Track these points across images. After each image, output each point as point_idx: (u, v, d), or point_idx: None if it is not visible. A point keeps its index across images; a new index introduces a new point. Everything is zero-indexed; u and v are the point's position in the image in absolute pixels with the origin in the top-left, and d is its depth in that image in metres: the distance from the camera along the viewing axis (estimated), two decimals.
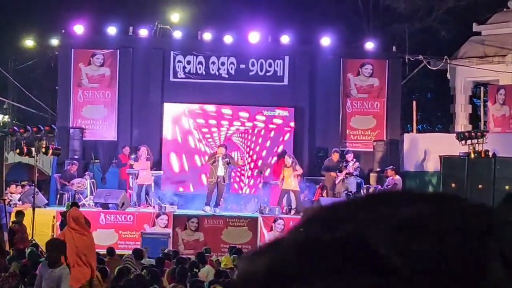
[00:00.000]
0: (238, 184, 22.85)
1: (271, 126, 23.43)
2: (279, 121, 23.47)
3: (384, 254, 0.74)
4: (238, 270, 0.85)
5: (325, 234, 0.77)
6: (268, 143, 23.26)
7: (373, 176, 22.89)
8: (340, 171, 22.09)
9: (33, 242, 17.47)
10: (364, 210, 0.79)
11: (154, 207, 20.74)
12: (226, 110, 23.44)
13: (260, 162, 23.10)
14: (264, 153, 23.11)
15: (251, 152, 23.34)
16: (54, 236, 19.56)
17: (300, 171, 21.21)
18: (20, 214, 18.24)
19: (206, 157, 21.63)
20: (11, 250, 15.95)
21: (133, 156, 21.71)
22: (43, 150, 20.39)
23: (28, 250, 15.33)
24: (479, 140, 20.97)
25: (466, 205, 0.81)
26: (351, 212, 0.79)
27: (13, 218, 18.33)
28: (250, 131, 23.45)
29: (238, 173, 22.83)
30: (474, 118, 27.32)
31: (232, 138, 23.25)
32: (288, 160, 21.23)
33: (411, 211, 0.78)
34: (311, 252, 0.77)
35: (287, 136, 23.42)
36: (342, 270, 0.74)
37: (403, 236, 0.75)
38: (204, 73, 23.74)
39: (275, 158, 23.12)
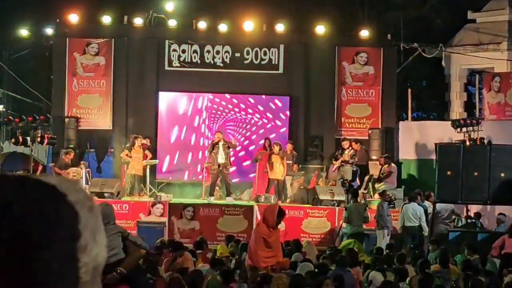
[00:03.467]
0: (234, 172, 22.82)
1: (266, 114, 23.43)
2: (274, 110, 23.46)
3: None
4: None
5: None
6: (263, 131, 23.25)
7: (368, 164, 22.87)
8: (336, 159, 22.10)
9: None
10: None
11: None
12: (221, 99, 23.43)
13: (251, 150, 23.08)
14: (261, 141, 23.03)
15: (246, 141, 23.33)
16: None
17: (285, 164, 21.00)
18: None
19: (204, 148, 21.56)
20: None
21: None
22: (39, 139, 20.36)
23: None
24: (474, 127, 20.99)
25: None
26: None
27: None
28: (245, 119, 23.45)
29: (233, 157, 22.79)
30: (469, 106, 27.35)
31: (227, 127, 23.23)
32: (276, 147, 21.05)
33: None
34: None
35: (282, 124, 23.40)
36: None
37: None
38: (199, 61, 23.71)
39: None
